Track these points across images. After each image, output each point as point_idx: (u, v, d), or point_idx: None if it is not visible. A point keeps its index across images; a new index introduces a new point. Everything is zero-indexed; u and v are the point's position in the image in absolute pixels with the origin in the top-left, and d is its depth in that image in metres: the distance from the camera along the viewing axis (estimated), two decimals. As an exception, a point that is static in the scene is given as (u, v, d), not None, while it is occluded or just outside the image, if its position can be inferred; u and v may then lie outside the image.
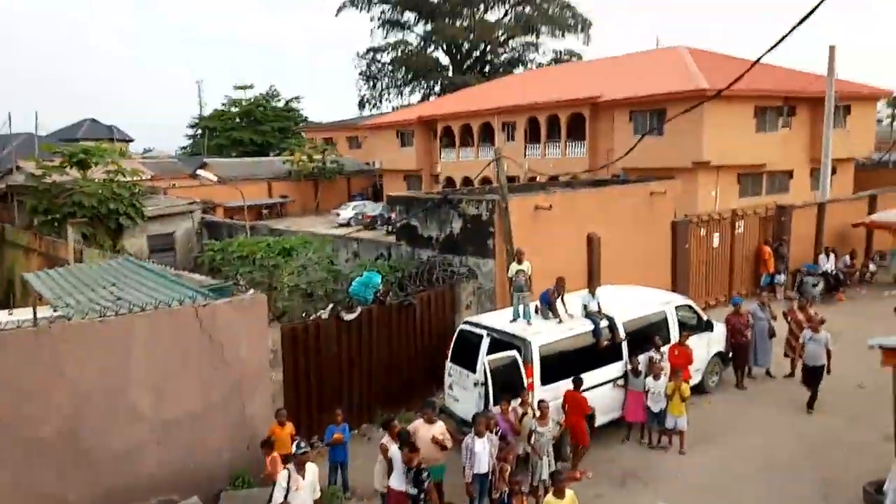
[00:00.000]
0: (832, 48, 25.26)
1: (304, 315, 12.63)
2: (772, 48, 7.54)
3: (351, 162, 51.70)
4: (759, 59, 8.28)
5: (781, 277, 20.64)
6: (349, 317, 12.47)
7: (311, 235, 20.69)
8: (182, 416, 9.56)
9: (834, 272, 20.68)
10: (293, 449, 8.60)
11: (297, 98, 69.38)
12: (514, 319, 11.86)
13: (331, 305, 12.83)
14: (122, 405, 9.09)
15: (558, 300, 11.97)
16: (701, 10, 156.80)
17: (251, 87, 65.47)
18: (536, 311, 12.07)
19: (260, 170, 47.82)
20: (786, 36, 7.25)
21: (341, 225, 36.77)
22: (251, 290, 11.24)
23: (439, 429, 9.32)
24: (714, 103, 23.97)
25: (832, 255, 21.13)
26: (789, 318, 14.13)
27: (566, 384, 10.86)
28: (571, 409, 10.57)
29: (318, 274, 15.49)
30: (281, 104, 67.71)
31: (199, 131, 69.95)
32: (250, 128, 62.89)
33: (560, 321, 11.69)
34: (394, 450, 8.80)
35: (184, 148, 75.87)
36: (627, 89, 30.23)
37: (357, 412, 12.31)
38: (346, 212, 38.65)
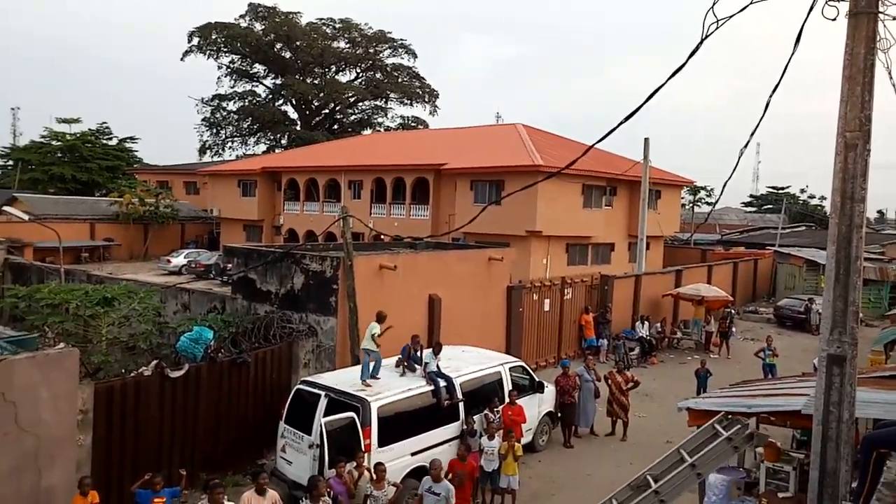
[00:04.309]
0: (647, 140, 28.50)
1: (123, 371, 11.49)
2: (602, 139, 8.24)
3: (187, 207, 49.17)
4: (593, 146, 9.00)
5: (604, 342, 22.29)
6: (175, 374, 11.57)
7: (136, 284, 19.10)
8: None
9: (648, 338, 22.77)
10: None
11: (131, 138, 64.99)
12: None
13: (154, 361, 11.83)
14: None
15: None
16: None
17: (78, 120, 60.56)
18: (398, 365, 12.24)
19: (82, 209, 43.95)
20: (615, 129, 7.95)
21: (172, 272, 34.70)
22: (61, 344, 10.09)
23: (270, 500, 8.78)
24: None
25: (647, 322, 23.29)
26: (609, 381, 15.19)
27: (403, 445, 10.81)
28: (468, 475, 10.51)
29: (142, 326, 14.24)
30: (113, 142, 63.08)
31: (11, 163, 63.11)
32: (74, 164, 57.65)
33: (415, 372, 11.96)
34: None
35: (-12, 180, 67.73)
36: (470, 160, 31.87)
37: (178, 478, 11.26)
38: (179, 259, 36.69)
